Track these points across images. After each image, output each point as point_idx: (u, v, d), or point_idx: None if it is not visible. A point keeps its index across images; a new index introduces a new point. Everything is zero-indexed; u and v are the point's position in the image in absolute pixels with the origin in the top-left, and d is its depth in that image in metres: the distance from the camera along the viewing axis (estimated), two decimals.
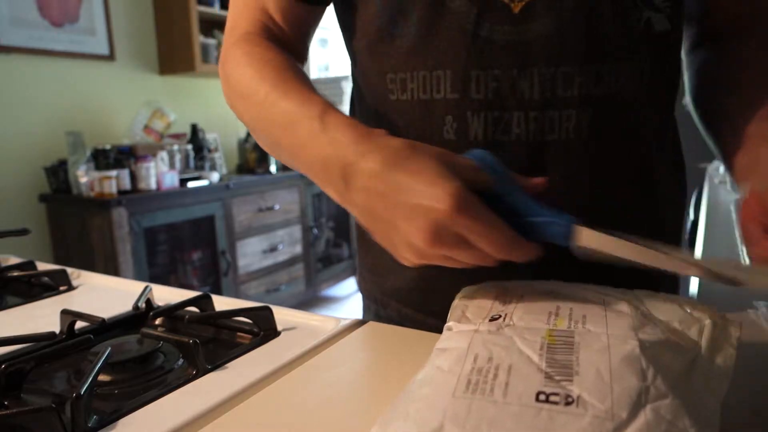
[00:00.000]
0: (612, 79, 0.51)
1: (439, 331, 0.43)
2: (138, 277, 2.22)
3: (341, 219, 3.46)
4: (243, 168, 3.11)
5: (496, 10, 0.50)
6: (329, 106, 0.48)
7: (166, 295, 0.73)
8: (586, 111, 0.51)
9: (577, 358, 0.31)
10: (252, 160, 3.03)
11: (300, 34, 0.62)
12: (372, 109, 0.60)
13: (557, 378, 0.30)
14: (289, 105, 0.50)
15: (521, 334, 0.34)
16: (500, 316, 0.38)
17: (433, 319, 0.59)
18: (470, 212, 0.37)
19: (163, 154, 2.42)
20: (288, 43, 0.61)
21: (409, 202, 0.39)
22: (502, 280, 0.47)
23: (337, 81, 3.35)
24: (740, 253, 0.80)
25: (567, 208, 0.51)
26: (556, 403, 0.28)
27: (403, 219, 0.39)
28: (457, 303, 0.45)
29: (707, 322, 0.37)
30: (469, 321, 0.39)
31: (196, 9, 2.68)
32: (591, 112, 0.51)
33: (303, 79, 0.54)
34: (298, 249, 3.08)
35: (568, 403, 0.28)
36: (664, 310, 0.38)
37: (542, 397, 0.28)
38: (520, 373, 0.30)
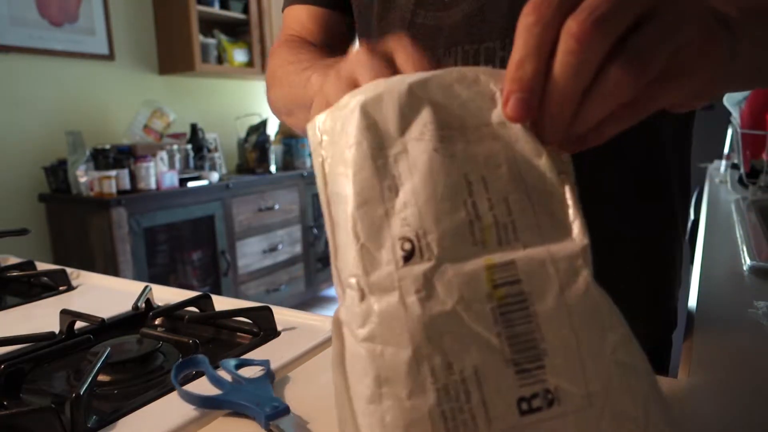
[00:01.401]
0: None
1: None
2: (137, 277, 2.22)
3: None
4: (243, 168, 3.10)
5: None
6: None
7: (165, 295, 0.73)
8: None
9: (538, 325, 0.26)
10: (252, 160, 3.02)
11: (330, 35, 0.68)
12: None
13: (528, 366, 0.25)
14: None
15: (462, 294, 0.26)
16: (412, 246, 0.27)
17: None
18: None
19: (163, 154, 2.42)
20: (321, 44, 0.67)
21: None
22: None
23: None
24: (741, 253, 0.80)
25: None
26: (539, 409, 0.25)
27: None
28: (328, 159, 0.30)
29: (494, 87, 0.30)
30: (374, 260, 0.27)
31: (196, 9, 2.67)
32: None
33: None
34: (297, 249, 3.08)
35: (550, 403, 0.25)
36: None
37: (524, 406, 0.25)
38: (489, 378, 0.25)
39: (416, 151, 0.28)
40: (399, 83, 0.29)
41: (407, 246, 0.27)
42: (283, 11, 0.71)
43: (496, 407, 0.25)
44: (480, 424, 0.24)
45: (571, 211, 0.28)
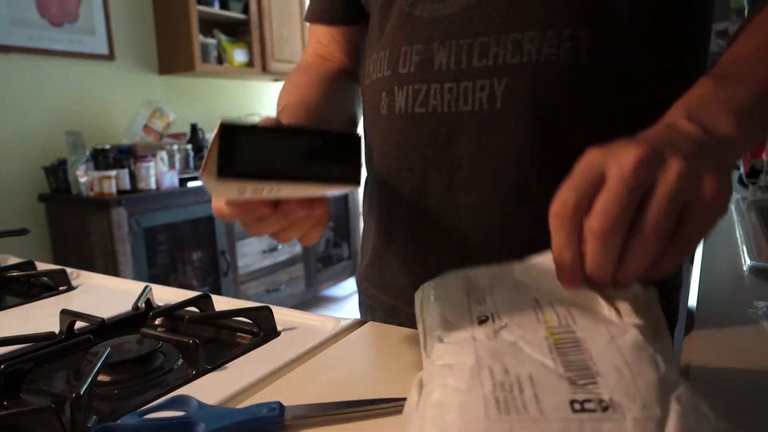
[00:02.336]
0: (533, 48, 0.49)
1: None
2: (137, 277, 2.22)
3: (341, 219, 3.46)
4: None
5: None
6: None
7: (165, 295, 0.73)
8: (500, 81, 0.51)
9: (591, 356, 0.30)
10: None
11: (348, 50, 0.73)
12: (361, 93, 0.68)
13: (581, 382, 0.29)
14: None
15: (522, 336, 0.33)
16: (487, 318, 0.36)
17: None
18: None
19: (163, 154, 2.42)
20: (339, 63, 0.72)
21: None
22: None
23: None
24: (741, 253, 0.80)
25: (482, 184, 0.53)
26: (593, 410, 0.27)
27: None
28: (426, 304, 0.43)
29: (639, 291, 0.38)
30: (456, 327, 0.37)
31: (196, 9, 2.67)
32: (505, 82, 0.50)
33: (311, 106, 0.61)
34: (297, 249, 3.08)
35: (605, 409, 0.27)
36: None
37: (577, 406, 0.27)
38: (543, 383, 0.29)
39: (498, 291, 0.40)
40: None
41: (483, 317, 0.37)
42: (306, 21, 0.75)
43: (548, 402, 0.28)
44: (531, 411, 0.27)
45: (624, 308, 0.36)
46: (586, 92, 0.50)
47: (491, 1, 0.51)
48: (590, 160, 0.33)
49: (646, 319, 0.35)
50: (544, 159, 0.52)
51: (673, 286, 0.62)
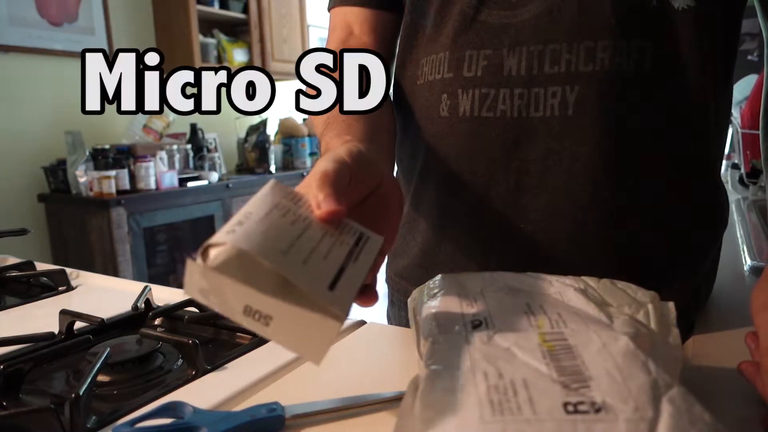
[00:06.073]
0: (606, 57, 0.50)
1: None
2: (137, 277, 2.22)
3: None
4: (243, 168, 3.10)
5: None
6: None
7: (165, 295, 0.73)
8: (573, 88, 0.51)
9: (583, 362, 0.31)
10: (251, 160, 3.02)
11: (380, 41, 0.67)
12: (407, 91, 0.64)
13: (574, 386, 0.29)
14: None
15: (516, 342, 0.34)
16: (480, 322, 0.37)
17: None
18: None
19: (162, 154, 2.42)
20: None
21: None
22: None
23: None
24: (741, 253, 0.80)
25: (551, 188, 0.53)
26: (586, 412, 0.28)
27: None
28: (419, 307, 0.44)
29: (650, 306, 0.39)
30: (449, 330, 0.38)
31: (196, 8, 2.67)
32: (578, 89, 0.51)
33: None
34: None
35: (597, 410, 0.28)
36: (612, 294, 0.41)
37: (570, 408, 0.28)
38: (536, 386, 0.30)
39: (489, 295, 0.42)
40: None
41: (476, 321, 0.38)
42: (329, 11, 0.69)
43: (541, 404, 0.28)
44: (525, 412, 0.28)
45: (618, 317, 0.38)
46: (651, 101, 0.52)
47: (562, 10, 0.51)
48: None
49: (659, 332, 0.36)
50: (614, 165, 0.53)
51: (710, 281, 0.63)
